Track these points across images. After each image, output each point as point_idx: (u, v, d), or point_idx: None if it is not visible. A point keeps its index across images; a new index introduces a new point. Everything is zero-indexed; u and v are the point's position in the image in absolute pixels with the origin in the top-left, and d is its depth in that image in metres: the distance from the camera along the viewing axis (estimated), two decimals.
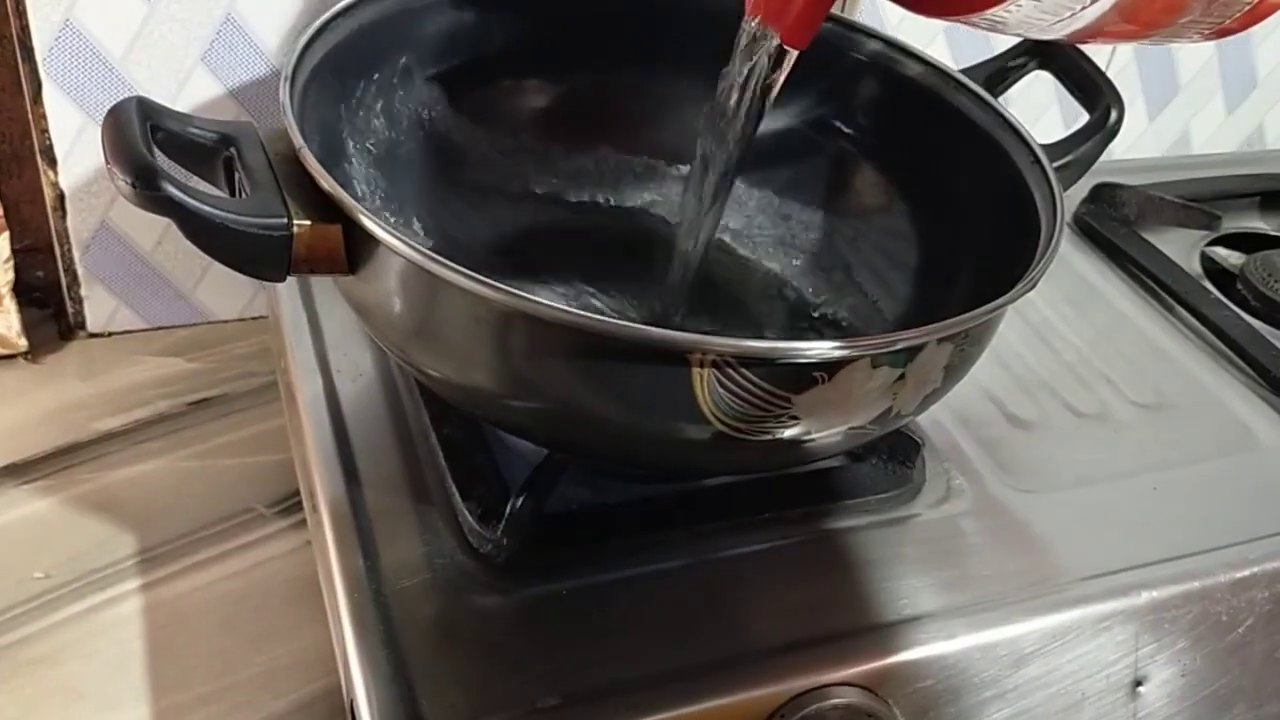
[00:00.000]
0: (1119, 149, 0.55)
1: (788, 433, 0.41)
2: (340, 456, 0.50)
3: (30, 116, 0.60)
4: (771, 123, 0.58)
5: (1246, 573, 0.51)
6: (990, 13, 0.39)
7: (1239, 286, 0.70)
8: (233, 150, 0.42)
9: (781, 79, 0.47)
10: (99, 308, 0.66)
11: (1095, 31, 0.40)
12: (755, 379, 0.38)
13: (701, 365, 0.38)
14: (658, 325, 0.46)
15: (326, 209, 0.40)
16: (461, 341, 0.40)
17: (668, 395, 0.39)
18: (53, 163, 0.61)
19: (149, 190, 0.37)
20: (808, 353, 0.39)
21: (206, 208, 0.37)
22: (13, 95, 0.61)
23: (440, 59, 0.54)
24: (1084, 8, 0.38)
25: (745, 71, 0.46)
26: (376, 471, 0.50)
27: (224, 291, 0.68)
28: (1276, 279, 0.68)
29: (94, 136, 0.60)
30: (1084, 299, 0.68)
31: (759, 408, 0.39)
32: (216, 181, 0.43)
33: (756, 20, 0.46)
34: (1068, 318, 0.66)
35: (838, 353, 0.39)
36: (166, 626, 0.52)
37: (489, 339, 0.39)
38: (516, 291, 0.37)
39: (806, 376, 0.39)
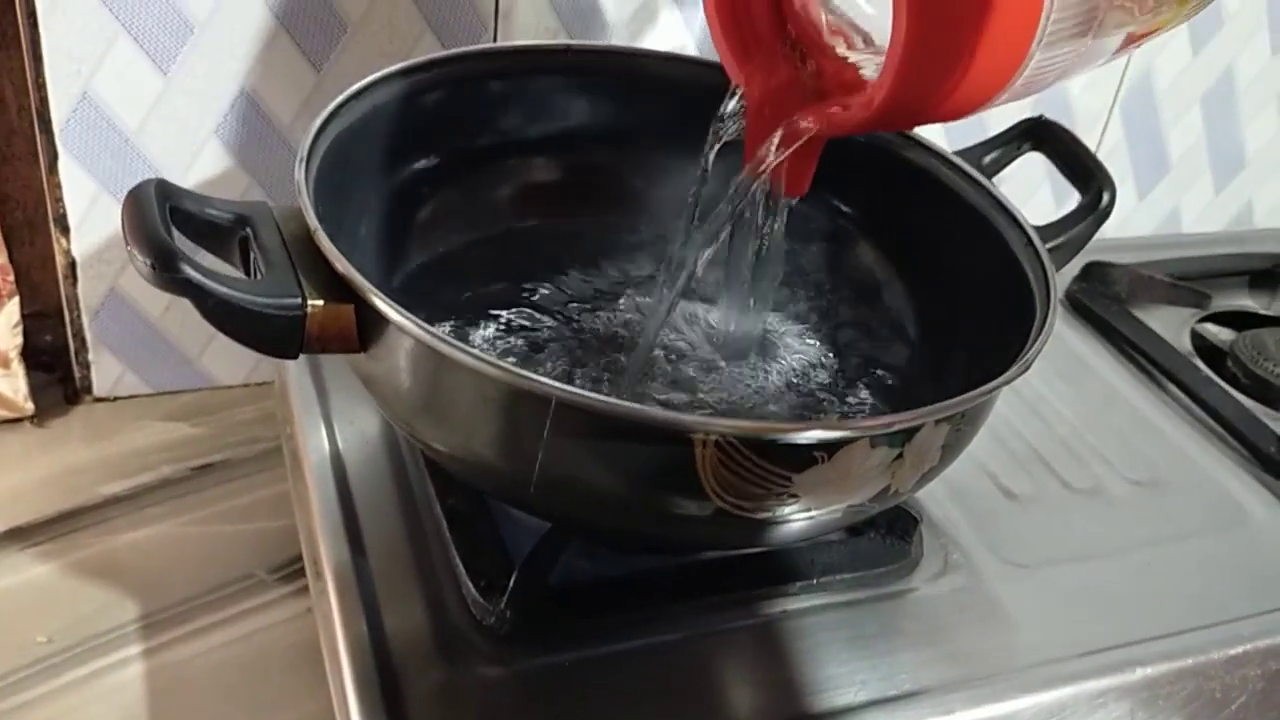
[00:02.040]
0: (1110, 226, 0.57)
1: (787, 510, 0.41)
2: (345, 523, 0.51)
3: (45, 185, 0.61)
4: None
5: (1239, 650, 0.51)
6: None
7: (1229, 364, 0.71)
8: (248, 230, 0.43)
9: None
10: (105, 372, 0.67)
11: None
12: (756, 458, 0.39)
13: (704, 445, 0.38)
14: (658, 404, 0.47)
15: (340, 289, 0.41)
16: (469, 420, 0.41)
17: (671, 474, 0.40)
18: (66, 231, 0.62)
19: (168, 272, 0.38)
20: (807, 433, 0.40)
21: (223, 289, 0.38)
22: (28, 164, 0.62)
23: (450, 139, 0.56)
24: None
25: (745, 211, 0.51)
26: (381, 539, 0.50)
27: (229, 357, 0.69)
28: (1266, 357, 0.70)
29: (107, 206, 0.61)
30: (1076, 374, 0.69)
31: (760, 486, 0.40)
32: (232, 259, 0.44)
33: (757, 181, 0.50)
34: (1061, 393, 0.67)
35: (837, 433, 0.40)
36: (168, 692, 0.52)
37: (496, 417, 0.40)
38: (524, 372, 0.38)
39: (806, 456, 0.40)
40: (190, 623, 0.56)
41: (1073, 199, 0.56)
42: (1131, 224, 0.90)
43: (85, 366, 0.66)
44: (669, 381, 0.54)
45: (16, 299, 0.63)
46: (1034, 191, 0.83)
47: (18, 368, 0.64)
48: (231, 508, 0.62)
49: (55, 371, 0.68)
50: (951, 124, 0.77)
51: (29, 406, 0.65)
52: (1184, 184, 0.90)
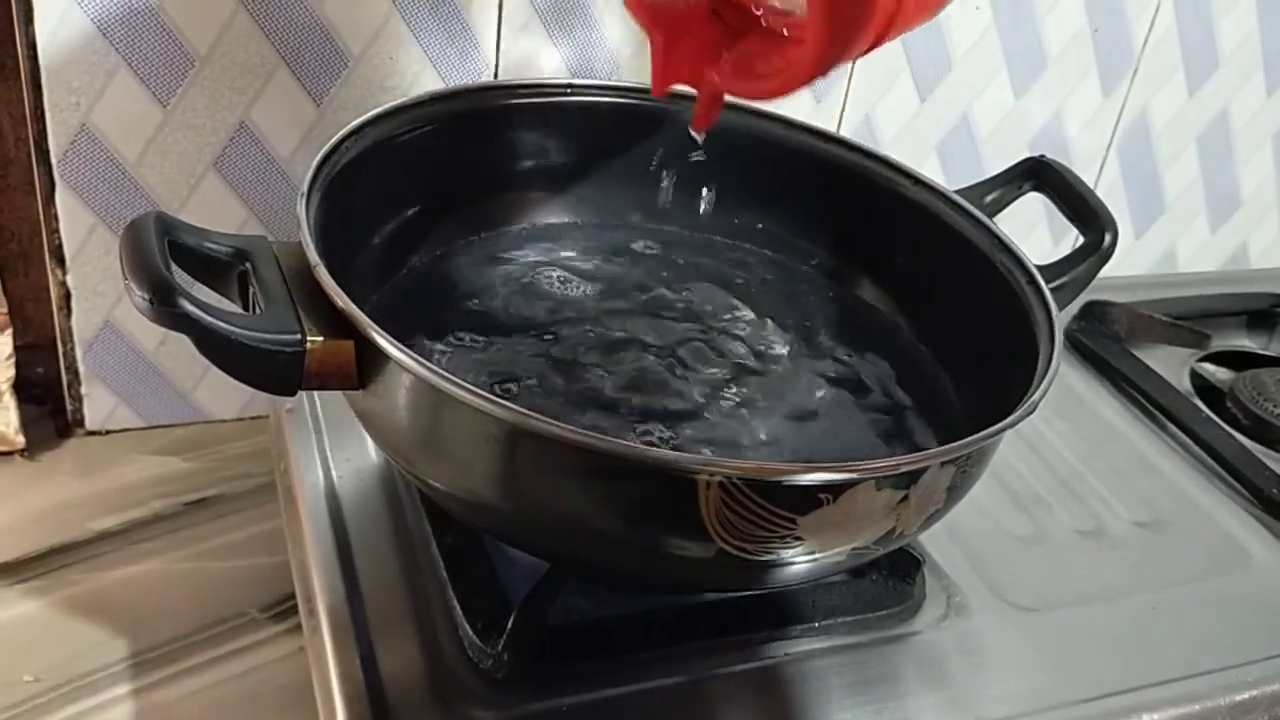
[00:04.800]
0: (1106, 265, 0.57)
1: (791, 552, 0.41)
2: (340, 561, 0.50)
3: (41, 217, 0.61)
4: (777, 239, 0.60)
5: (1245, 696, 0.51)
6: None
7: (1229, 404, 0.71)
8: (248, 265, 0.42)
9: None
10: (98, 406, 0.66)
11: None
12: (760, 500, 0.39)
13: (707, 486, 0.38)
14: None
15: (340, 325, 0.40)
16: (469, 458, 0.40)
17: (673, 515, 0.39)
18: (61, 262, 0.61)
19: (166, 307, 0.37)
20: (812, 475, 0.39)
21: (223, 324, 0.38)
22: (24, 195, 0.62)
23: (451, 175, 0.56)
24: None
25: None
26: (376, 578, 0.50)
27: (223, 391, 0.68)
28: (1266, 397, 0.70)
29: (103, 238, 0.61)
30: (1076, 413, 0.69)
31: (764, 528, 0.39)
32: (230, 294, 0.44)
33: None
34: (1061, 432, 0.67)
35: (842, 475, 0.39)
36: None
37: (497, 456, 0.39)
38: (526, 411, 0.38)
39: (811, 498, 0.39)
40: (180, 662, 0.55)
41: (1070, 236, 0.56)
42: (1128, 262, 0.90)
43: (78, 399, 0.66)
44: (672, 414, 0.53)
45: (9, 330, 0.63)
46: (1031, 229, 0.83)
47: (9, 400, 0.63)
48: (224, 544, 0.61)
49: (47, 404, 0.67)
50: (953, 163, 0.78)
51: (20, 440, 0.64)
52: (1180, 223, 0.90)
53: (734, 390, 0.55)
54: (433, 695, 0.45)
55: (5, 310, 0.62)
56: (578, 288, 0.59)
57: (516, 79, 0.62)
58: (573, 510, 0.40)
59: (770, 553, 0.41)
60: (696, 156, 0.62)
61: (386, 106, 0.52)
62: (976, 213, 0.56)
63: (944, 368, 0.57)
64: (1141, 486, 0.64)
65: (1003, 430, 0.42)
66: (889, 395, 0.56)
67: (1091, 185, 0.84)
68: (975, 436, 0.41)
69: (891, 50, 0.72)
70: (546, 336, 0.55)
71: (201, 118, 0.60)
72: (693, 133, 0.52)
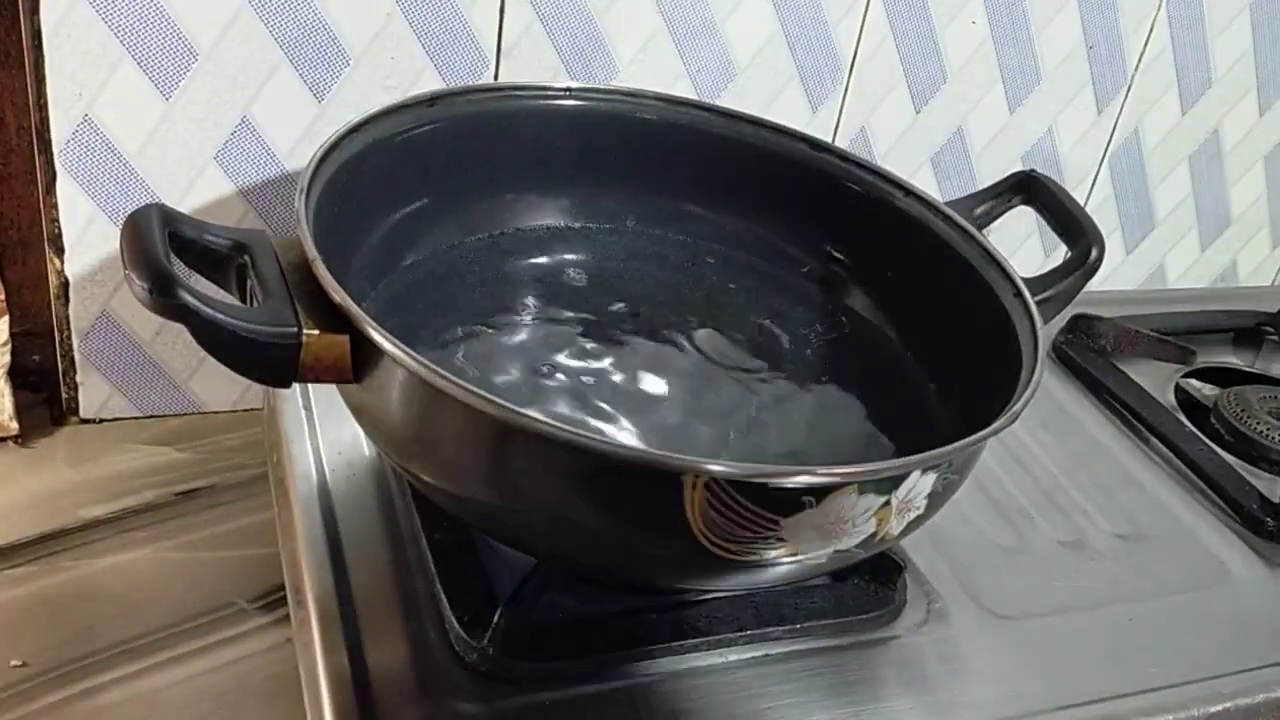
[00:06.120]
0: (1096, 279, 0.58)
1: (774, 554, 0.42)
2: (329, 553, 0.51)
3: (41, 206, 0.61)
4: (769, 245, 0.61)
5: (1219, 708, 0.51)
6: None
7: (1213, 420, 0.72)
8: (246, 258, 0.43)
9: None
10: (93, 394, 0.66)
11: None
12: (745, 501, 0.39)
13: (693, 486, 0.39)
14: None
15: (335, 319, 0.41)
16: (460, 453, 0.41)
17: (659, 515, 0.40)
18: (60, 251, 0.62)
19: (165, 298, 0.38)
20: (796, 478, 0.40)
21: (221, 316, 0.38)
22: (24, 184, 0.62)
23: (448, 174, 0.56)
24: None
25: None
26: (365, 571, 0.50)
27: (218, 383, 0.68)
28: (1250, 414, 0.70)
29: (103, 228, 0.62)
30: (1061, 426, 0.70)
31: (748, 529, 0.40)
32: (228, 286, 0.44)
33: None
34: (1045, 444, 0.68)
35: (826, 478, 0.40)
36: None
37: (487, 452, 0.40)
38: (517, 408, 0.38)
39: (795, 500, 0.40)
40: (168, 650, 0.55)
41: (1061, 250, 0.57)
42: (1117, 278, 0.91)
43: (73, 387, 0.66)
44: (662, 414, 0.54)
45: (6, 317, 0.63)
46: (1023, 242, 0.83)
47: (4, 386, 0.64)
48: (215, 534, 0.62)
49: (42, 391, 0.68)
50: (946, 175, 0.79)
51: (14, 426, 0.65)
52: (1170, 240, 0.91)
53: (722, 393, 0.55)
54: (418, 688, 0.45)
55: (3, 297, 0.63)
56: (572, 288, 0.60)
57: (517, 81, 0.63)
58: (560, 507, 0.41)
59: (753, 553, 0.41)
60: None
61: (387, 105, 0.53)
62: (966, 225, 0.56)
63: (931, 377, 0.58)
64: (1123, 499, 0.64)
65: (984, 438, 0.43)
66: (875, 402, 0.57)
67: (1083, 201, 0.85)
68: (957, 444, 0.42)
69: (888, 62, 0.73)
70: (540, 335, 0.56)
71: (203, 111, 0.60)
72: None
